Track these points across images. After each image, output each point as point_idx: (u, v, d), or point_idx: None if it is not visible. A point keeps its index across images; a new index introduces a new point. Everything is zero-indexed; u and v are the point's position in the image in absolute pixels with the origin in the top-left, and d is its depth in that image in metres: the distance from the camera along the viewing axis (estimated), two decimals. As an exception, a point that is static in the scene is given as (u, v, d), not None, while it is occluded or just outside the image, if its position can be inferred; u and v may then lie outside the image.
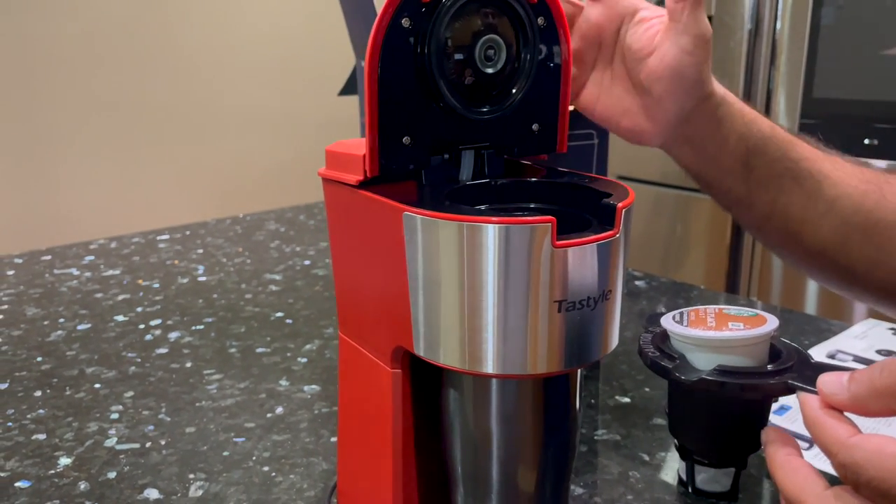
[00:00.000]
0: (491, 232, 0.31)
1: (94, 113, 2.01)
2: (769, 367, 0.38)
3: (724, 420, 0.44)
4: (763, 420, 0.43)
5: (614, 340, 0.36)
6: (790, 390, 0.36)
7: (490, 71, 0.37)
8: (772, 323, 0.38)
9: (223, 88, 2.25)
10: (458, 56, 0.37)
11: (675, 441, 0.54)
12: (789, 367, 0.37)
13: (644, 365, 0.42)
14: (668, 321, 0.40)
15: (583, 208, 0.37)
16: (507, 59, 0.38)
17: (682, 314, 0.41)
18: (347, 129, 0.34)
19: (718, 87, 0.56)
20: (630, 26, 0.54)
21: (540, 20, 0.38)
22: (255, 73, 2.31)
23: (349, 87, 0.90)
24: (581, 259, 0.32)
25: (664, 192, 2.02)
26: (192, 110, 2.20)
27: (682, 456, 0.53)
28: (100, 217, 2.01)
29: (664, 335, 0.42)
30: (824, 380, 0.33)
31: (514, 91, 0.38)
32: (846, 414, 0.32)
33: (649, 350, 0.41)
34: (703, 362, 0.38)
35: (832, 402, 0.32)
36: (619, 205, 0.33)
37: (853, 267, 0.62)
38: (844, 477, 0.31)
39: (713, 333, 0.37)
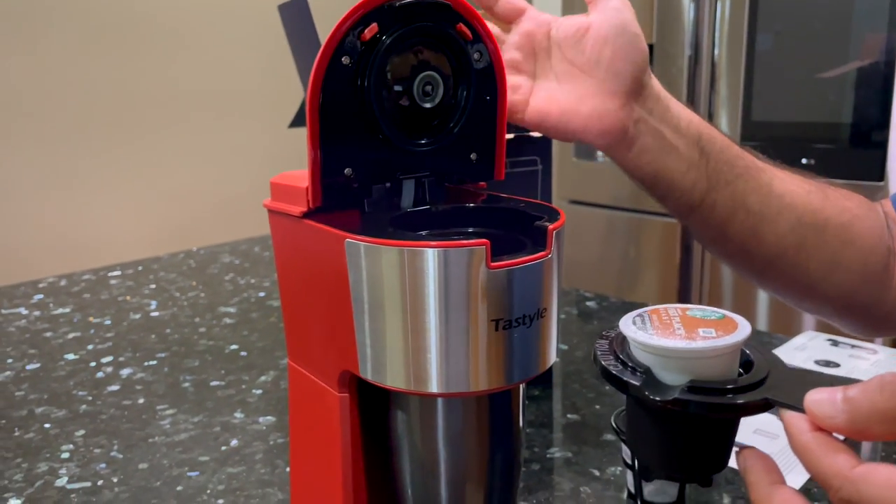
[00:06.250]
0: (430, 255, 0.33)
1: (42, 147, 1.98)
2: (741, 377, 0.34)
3: (692, 438, 0.38)
4: (733, 435, 0.38)
5: (552, 356, 0.37)
6: (769, 406, 0.32)
7: (428, 105, 0.39)
8: (744, 327, 0.34)
9: (176, 120, 2.24)
10: (397, 91, 0.38)
11: (626, 459, 0.56)
12: (764, 379, 0.33)
13: (601, 377, 0.36)
14: (628, 327, 0.35)
15: (518, 231, 0.38)
16: (445, 93, 0.40)
17: (642, 317, 0.36)
18: (301, 160, 0.35)
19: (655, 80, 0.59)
20: (555, 26, 0.58)
21: (476, 55, 0.40)
22: (207, 105, 2.30)
23: (299, 120, 0.91)
24: (515, 279, 0.34)
25: (616, 216, 2.07)
26: (146, 143, 2.19)
27: (636, 471, 0.55)
28: (49, 255, 1.97)
29: (622, 339, 0.36)
30: (814, 398, 0.28)
31: (451, 125, 0.40)
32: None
33: (609, 363, 0.35)
34: (673, 376, 0.33)
35: (825, 426, 0.28)
36: (551, 227, 0.35)
37: (810, 272, 0.62)
38: None
39: (686, 344, 0.32)
